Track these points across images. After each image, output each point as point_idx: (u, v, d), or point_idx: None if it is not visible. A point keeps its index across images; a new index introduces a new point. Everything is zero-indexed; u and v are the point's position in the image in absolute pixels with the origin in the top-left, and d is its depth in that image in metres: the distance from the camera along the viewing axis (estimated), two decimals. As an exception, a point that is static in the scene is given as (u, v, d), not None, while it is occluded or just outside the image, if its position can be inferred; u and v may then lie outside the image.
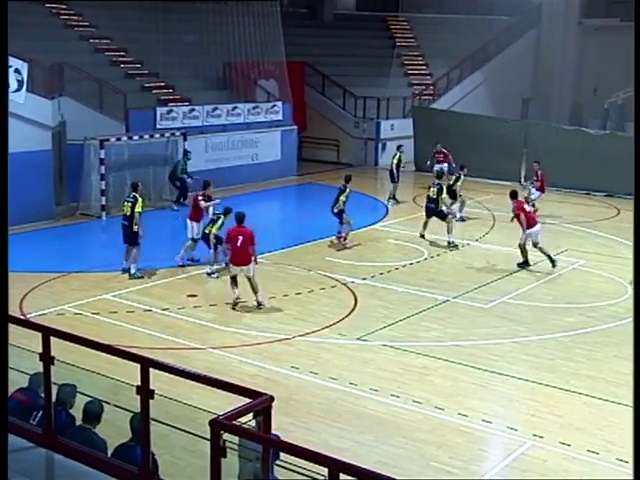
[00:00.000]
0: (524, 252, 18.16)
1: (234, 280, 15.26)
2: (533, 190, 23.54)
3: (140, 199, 17.01)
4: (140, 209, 16.83)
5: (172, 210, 23.91)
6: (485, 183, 27.85)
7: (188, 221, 17.89)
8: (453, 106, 34.32)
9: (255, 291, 15.22)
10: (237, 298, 15.23)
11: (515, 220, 18.23)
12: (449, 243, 20.08)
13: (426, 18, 37.93)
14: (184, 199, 23.87)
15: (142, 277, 16.95)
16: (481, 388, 12.11)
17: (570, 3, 38.93)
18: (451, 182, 22.70)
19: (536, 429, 10.67)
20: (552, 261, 18.10)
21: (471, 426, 10.76)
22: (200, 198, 17.93)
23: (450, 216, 20.66)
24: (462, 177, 22.80)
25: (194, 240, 17.77)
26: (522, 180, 27.03)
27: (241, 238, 14.93)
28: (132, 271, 16.98)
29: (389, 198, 25.62)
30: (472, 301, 16.04)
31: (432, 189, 20.53)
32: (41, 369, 6.92)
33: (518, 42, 38.92)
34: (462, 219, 22.86)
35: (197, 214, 17.86)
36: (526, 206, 18.53)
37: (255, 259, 15.22)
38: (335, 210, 19.70)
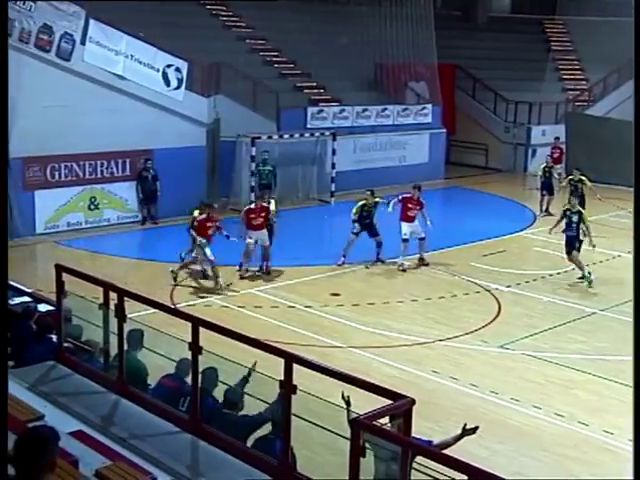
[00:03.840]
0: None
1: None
2: None
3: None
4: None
5: None
6: (642, 193, 26.68)
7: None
8: (609, 113, 33.13)
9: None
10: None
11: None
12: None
13: (584, 21, 36.70)
14: None
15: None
16: (628, 406, 11.63)
17: None
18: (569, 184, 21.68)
19: (686, 452, 10.17)
20: None
21: (617, 445, 10.35)
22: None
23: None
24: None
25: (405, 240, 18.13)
26: None
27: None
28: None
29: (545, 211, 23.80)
30: (622, 315, 15.40)
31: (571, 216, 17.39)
32: (185, 355, 7.19)
33: (683, 46, 37.15)
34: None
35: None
36: None
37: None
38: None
